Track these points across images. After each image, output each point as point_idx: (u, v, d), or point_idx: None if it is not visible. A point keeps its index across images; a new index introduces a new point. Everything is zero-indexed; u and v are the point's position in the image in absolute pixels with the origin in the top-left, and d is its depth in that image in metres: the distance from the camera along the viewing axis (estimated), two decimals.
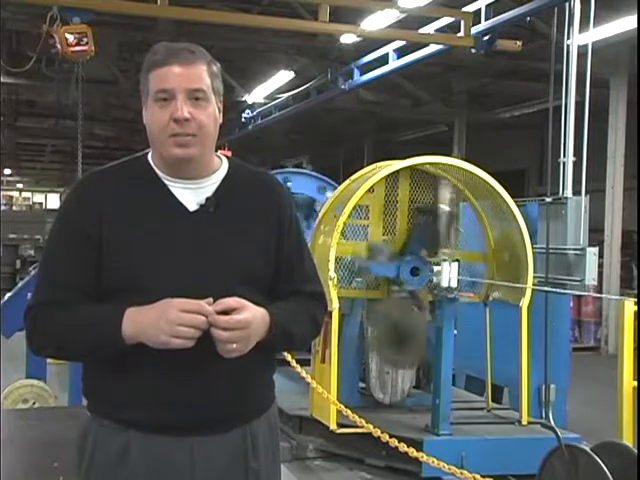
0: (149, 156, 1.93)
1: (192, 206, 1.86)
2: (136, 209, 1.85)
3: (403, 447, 4.77)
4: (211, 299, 1.72)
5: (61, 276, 1.84)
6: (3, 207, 27.52)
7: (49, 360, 6.28)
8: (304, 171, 9.39)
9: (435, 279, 5.49)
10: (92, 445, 1.86)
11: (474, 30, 8.31)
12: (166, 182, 1.88)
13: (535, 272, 5.88)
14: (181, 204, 1.86)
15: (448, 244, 5.73)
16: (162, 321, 1.70)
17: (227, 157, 1.98)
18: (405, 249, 5.89)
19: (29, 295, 1.90)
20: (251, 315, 1.75)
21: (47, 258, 1.90)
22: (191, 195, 1.87)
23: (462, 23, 8.35)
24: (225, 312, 1.72)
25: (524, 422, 5.72)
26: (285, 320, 1.86)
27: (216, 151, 1.96)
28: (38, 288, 1.88)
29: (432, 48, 9.00)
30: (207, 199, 1.87)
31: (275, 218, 1.94)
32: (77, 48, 7.02)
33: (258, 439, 1.91)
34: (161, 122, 1.81)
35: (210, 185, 1.89)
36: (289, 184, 8.10)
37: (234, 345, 1.73)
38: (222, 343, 1.73)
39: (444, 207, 5.70)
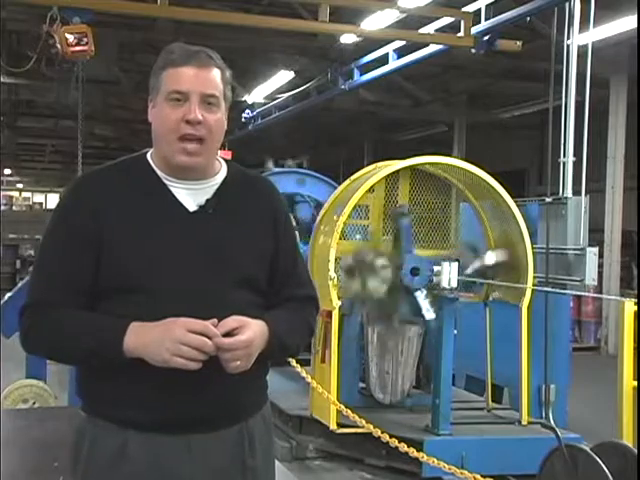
0: (148, 155, 1.93)
1: (192, 207, 1.87)
2: (135, 209, 1.85)
3: (403, 447, 4.77)
4: (215, 320, 1.73)
5: (58, 276, 1.83)
6: (3, 207, 27.53)
7: (49, 360, 6.29)
8: (279, 170, 9.23)
9: (435, 279, 5.49)
10: (89, 445, 1.85)
11: (474, 30, 8.31)
12: (166, 182, 1.88)
13: (535, 272, 5.88)
14: (181, 204, 1.86)
15: None
16: (167, 339, 1.70)
17: (225, 160, 2.00)
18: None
19: (28, 300, 1.89)
20: (252, 333, 1.77)
21: (44, 256, 1.89)
22: (191, 196, 1.88)
23: (462, 23, 8.36)
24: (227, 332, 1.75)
25: (524, 422, 5.73)
26: (282, 331, 1.88)
27: None
28: (34, 287, 1.88)
29: (432, 48, 9.00)
30: (207, 200, 1.88)
31: (271, 221, 1.97)
32: (77, 48, 7.02)
33: (254, 437, 1.92)
34: (171, 122, 1.81)
35: (210, 187, 1.90)
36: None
37: (238, 362, 1.76)
38: (227, 362, 1.75)
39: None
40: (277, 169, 8.66)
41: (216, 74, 1.85)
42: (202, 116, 1.80)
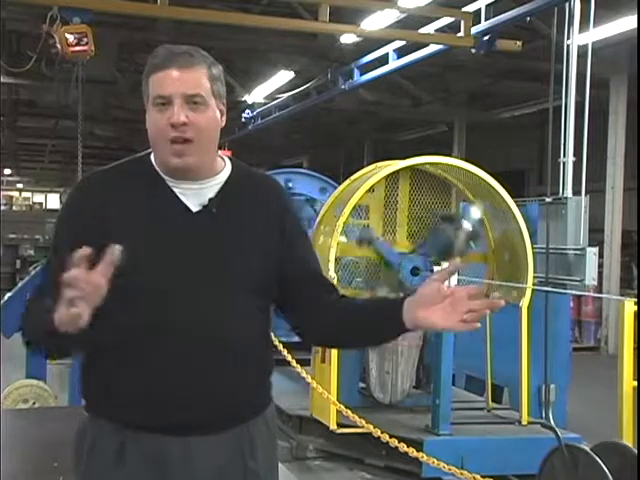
0: (152, 156, 1.92)
1: (195, 207, 1.86)
2: (139, 209, 1.85)
3: (403, 447, 4.77)
4: None
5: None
6: (3, 207, 27.54)
7: (49, 360, 6.29)
8: (306, 172, 9.34)
9: None
10: (89, 445, 1.85)
11: (474, 30, 8.31)
12: (169, 183, 1.87)
13: (535, 272, 5.88)
14: (184, 205, 1.86)
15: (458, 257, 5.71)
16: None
17: (230, 158, 1.98)
18: (416, 249, 5.89)
19: (29, 295, 1.87)
20: None
21: (51, 257, 1.88)
22: (194, 196, 1.87)
23: (462, 23, 8.35)
24: None
25: (524, 422, 5.73)
26: None
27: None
28: (39, 285, 1.87)
29: (432, 48, 9.00)
30: (210, 200, 1.87)
31: (277, 219, 1.94)
32: (77, 48, 7.02)
33: (255, 439, 1.90)
34: (159, 127, 1.81)
35: (213, 186, 1.89)
36: (290, 184, 8.12)
37: None
38: None
39: (468, 225, 5.65)
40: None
41: (200, 73, 1.82)
42: (188, 117, 1.79)
